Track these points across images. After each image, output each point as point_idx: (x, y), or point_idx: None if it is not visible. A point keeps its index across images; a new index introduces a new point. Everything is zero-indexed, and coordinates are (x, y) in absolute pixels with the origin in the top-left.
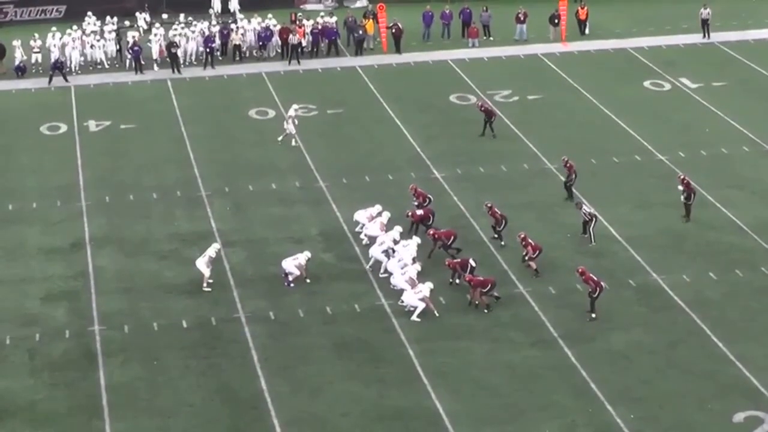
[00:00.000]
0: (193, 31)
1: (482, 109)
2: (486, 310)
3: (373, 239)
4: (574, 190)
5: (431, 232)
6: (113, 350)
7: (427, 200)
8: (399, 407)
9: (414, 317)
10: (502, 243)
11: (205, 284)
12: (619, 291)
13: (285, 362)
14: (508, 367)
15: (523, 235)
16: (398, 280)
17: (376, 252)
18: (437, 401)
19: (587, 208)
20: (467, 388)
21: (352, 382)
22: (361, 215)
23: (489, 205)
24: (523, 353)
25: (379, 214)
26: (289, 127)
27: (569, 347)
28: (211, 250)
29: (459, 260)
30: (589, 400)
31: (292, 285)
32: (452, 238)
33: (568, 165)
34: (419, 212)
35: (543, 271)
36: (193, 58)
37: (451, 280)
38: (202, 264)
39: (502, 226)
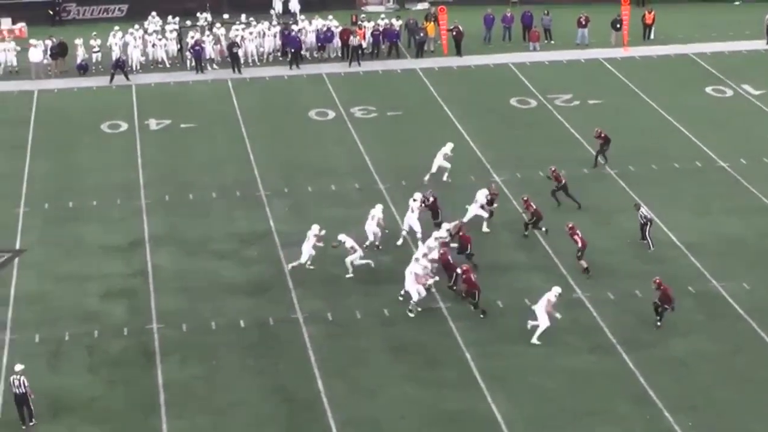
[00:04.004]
0: (251, 33)
1: (600, 136)
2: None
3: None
4: (559, 198)
5: (462, 234)
6: (171, 348)
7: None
8: (455, 411)
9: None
10: (525, 233)
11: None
12: (678, 298)
13: (342, 364)
14: (565, 372)
15: (571, 225)
16: (410, 285)
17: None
18: (493, 405)
19: (645, 211)
20: (524, 393)
21: (408, 385)
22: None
23: (525, 198)
24: (581, 358)
25: (415, 200)
26: (443, 163)
27: (627, 353)
28: (377, 212)
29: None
30: (646, 407)
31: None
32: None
33: (554, 174)
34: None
35: (601, 275)
36: (256, 58)
37: (449, 284)
38: (370, 228)
39: (533, 220)
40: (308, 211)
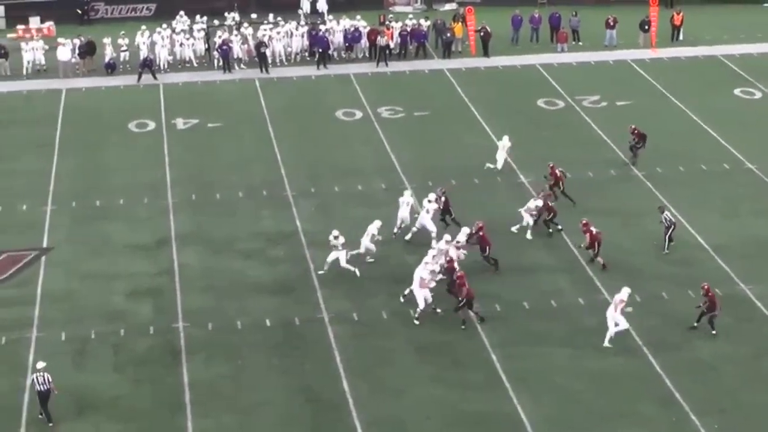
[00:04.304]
0: (279, 32)
1: (634, 132)
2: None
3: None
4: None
5: (482, 234)
6: (197, 347)
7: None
8: (480, 412)
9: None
10: (550, 231)
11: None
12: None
13: (367, 364)
14: (592, 373)
15: (585, 221)
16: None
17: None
18: (519, 406)
19: (669, 214)
20: (549, 394)
21: (433, 386)
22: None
23: (547, 194)
24: (607, 360)
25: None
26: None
27: (653, 355)
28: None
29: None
30: (673, 410)
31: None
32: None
33: (552, 172)
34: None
35: (628, 277)
36: (283, 58)
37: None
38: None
39: (550, 217)
40: (335, 211)
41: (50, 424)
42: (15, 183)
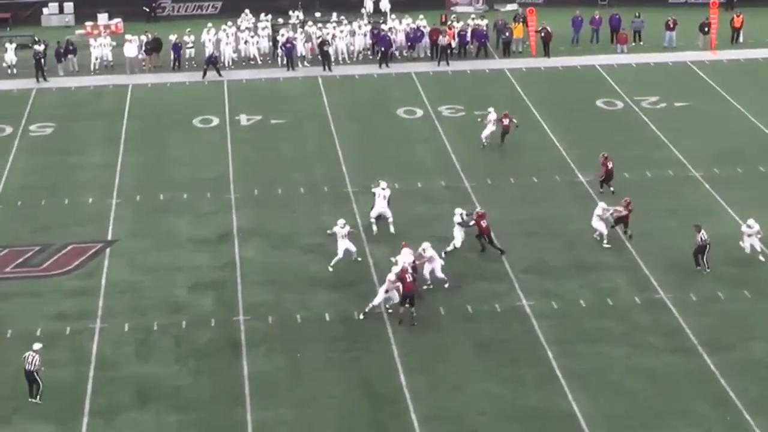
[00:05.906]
0: (342, 31)
1: None
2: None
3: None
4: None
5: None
6: (257, 340)
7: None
8: (536, 408)
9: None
10: (601, 190)
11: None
12: (761, 301)
13: (424, 359)
14: (647, 372)
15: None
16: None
17: None
18: (574, 403)
19: (705, 234)
20: (605, 392)
21: (490, 382)
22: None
23: (605, 155)
24: (662, 359)
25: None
26: None
27: (709, 355)
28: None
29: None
30: (727, 409)
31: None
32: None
33: (503, 118)
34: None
35: (684, 277)
36: (346, 56)
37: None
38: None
39: (604, 178)
40: (394, 207)
41: (29, 399)
42: (82, 176)
